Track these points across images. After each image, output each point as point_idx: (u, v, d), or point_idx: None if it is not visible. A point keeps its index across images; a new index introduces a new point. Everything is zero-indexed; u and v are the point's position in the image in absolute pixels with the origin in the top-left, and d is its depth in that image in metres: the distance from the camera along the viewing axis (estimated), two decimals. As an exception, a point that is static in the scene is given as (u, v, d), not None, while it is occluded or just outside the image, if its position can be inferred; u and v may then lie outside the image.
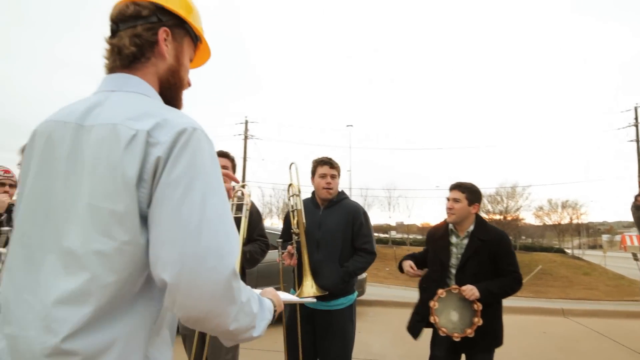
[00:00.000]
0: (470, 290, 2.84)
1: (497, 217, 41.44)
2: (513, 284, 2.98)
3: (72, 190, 0.97)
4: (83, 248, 0.93)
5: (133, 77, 1.11)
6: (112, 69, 1.13)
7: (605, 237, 79.51)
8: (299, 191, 3.26)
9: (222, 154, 3.19)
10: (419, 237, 49.69)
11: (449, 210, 3.10)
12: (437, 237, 3.22)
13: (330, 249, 3.17)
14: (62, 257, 0.95)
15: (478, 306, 2.82)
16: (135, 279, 0.95)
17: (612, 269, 34.40)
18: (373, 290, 14.78)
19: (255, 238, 3.19)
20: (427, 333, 3.20)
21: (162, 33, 1.14)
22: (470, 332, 2.80)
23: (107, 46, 1.15)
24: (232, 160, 3.25)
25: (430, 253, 3.26)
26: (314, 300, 2.04)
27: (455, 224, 3.11)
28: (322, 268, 3.12)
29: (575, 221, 51.76)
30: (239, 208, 3.05)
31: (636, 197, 2.43)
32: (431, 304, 2.89)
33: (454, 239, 3.13)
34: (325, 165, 3.31)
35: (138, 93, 1.08)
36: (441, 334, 2.85)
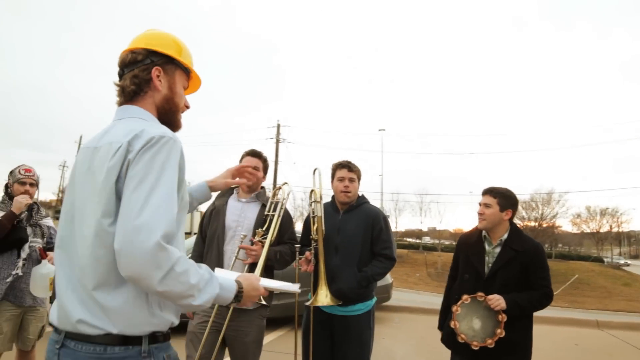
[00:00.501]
0: (497, 300, 2.73)
1: (532, 224, 40.37)
2: (543, 299, 2.84)
3: (87, 193, 1.33)
4: (89, 234, 1.29)
5: (133, 106, 1.47)
6: (120, 104, 1.50)
7: (647, 246, 76.55)
8: (321, 197, 3.23)
9: (254, 154, 3.18)
10: (452, 243, 48.97)
11: (480, 215, 2.98)
12: (471, 243, 3.10)
13: (349, 253, 3.14)
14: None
15: (503, 317, 2.71)
16: None
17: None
18: (401, 296, 14.64)
19: (286, 241, 3.17)
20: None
21: (155, 71, 1.49)
22: (490, 343, 2.70)
23: (116, 88, 1.51)
24: (264, 160, 3.23)
25: (462, 260, 3.13)
26: (298, 290, 1.93)
27: (488, 231, 3.00)
28: (340, 272, 3.09)
29: (615, 229, 49.99)
30: (275, 206, 3.03)
31: None
32: (454, 308, 2.82)
33: (486, 247, 3.01)
34: (343, 169, 3.28)
35: (136, 117, 1.44)
36: (460, 340, 2.75)
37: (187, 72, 1.59)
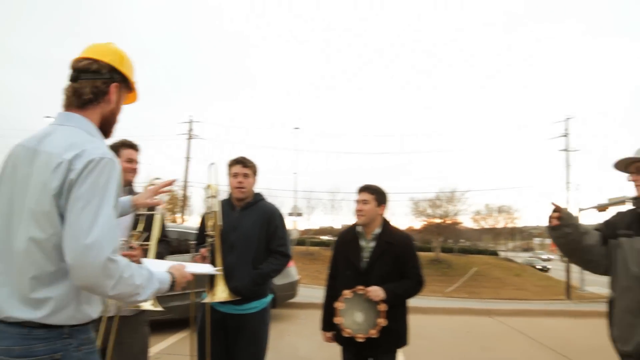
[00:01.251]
0: (376, 292, 2.83)
1: (437, 220, 42.59)
2: (417, 286, 3.03)
3: (24, 197, 1.45)
4: (25, 237, 1.42)
5: (77, 115, 1.57)
6: (68, 106, 1.60)
7: (536, 240, 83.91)
8: (217, 192, 3.16)
9: (128, 145, 3.06)
10: (362, 239, 50.33)
11: (359, 212, 3.06)
12: (347, 240, 3.18)
13: (245, 251, 3.09)
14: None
15: (382, 307, 2.82)
16: (63, 258, 1.39)
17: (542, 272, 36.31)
18: (313, 293, 14.80)
19: (161, 239, 3.08)
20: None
21: (114, 87, 1.65)
22: (374, 333, 2.79)
23: (67, 86, 1.61)
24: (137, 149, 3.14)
25: (341, 258, 3.20)
26: (217, 272, 2.10)
27: (364, 226, 3.09)
28: (235, 270, 3.04)
29: (509, 225, 54.17)
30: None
31: (550, 218, 2.40)
32: (336, 305, 2.87)
33: (362, 242, 3.10)
34: (237, 165, 3.23)
35: (77, 128, 1.54)
36: (345, 334, 2.82)
37: (129, 89, 1.77)
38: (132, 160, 3.02)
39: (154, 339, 3.85)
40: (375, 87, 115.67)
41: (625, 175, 2.43)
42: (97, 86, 1.60)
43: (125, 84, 1.73)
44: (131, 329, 2.82)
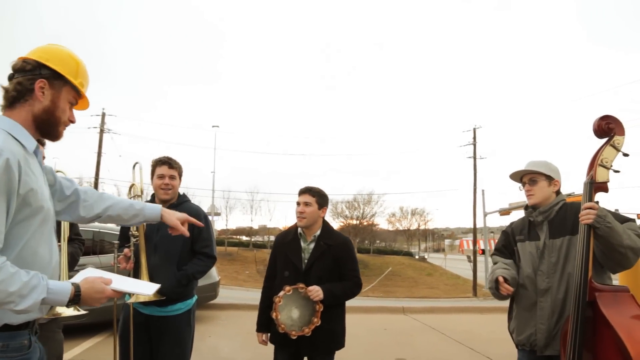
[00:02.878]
0: (316, 292, 2.89)
1: (354, 222, 43.67)
2: (354, 288, 3.12)
3: None
4: None
5: (3, 118, 1.53)
6: (2, 108, 1.57)
7: (447, 242, 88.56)
8: (142, 192, 3.12)
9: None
10: (282, 241, 50.33)
11: (300, 214, 3.09)
12: (288, 241, 3.21)
13: (168, 252, 3.07)
14: None
15: (319, 307, 2.88)
16: None
17: (451, 270, 38.37)
18: (230, 293, 14.67)
19: (72, 237, 3.02)
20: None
21: (39, 83, 1.55)
22: (307, 331, 2.85)
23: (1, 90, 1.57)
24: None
25: (281, 258, 3.22)
26: (154, 291, 1.91)
27: (304, 228, 3.14)
28: (159, 272, 3.00)
29: (422, 227, 56.70)
30: None
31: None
32: (276, 299, 2.89)
33: (302, 244, 3.15)
34: (163, 166, 3.18)
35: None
36: (280, 330, 2.84)
37: (76, 90, 1.65)
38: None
39: (66, 344, 3.70)
40: (296, 87, 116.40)
41: (519, 185, 2.79)
42: (20, 82, 1.54)
43: (63, 83, 1.62)
44: (43, 337, 2.72)
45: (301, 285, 2.93)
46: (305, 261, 3.10)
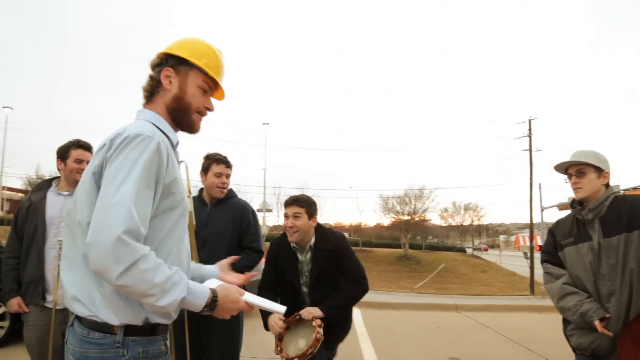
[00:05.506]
0: (308, 313, 2.72)
1: (406, 217, 43.12)
2: (358, 287, 2.88)
3: (81, 191, 1.40)
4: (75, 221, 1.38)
5: (144, 110, 1.54)
6: (143, 105, 1.58)
7: (502, 238, 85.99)
8: (189, 191, 3.19)
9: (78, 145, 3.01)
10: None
11: (291, 228, 2.86)
12: (284, 256, 3.00)
13: (217, 247, 3.11)
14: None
15: (317, 322, 2.65)
16: None
17: (507, 267, 37.22)
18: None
19: None
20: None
21: (165, 72, 1.54)
22: (309, 352, 2.56)
23: None
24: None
25: (280, 272, 3.03)
26: (282, 311, 1.72)
27: (298, 241, 2.91)
28: None
29: (476, 222, 55.22)
30: None
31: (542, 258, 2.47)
32: (276, 349, 2.70)
33: (300, 257, 2.97)
34: (221, 164, 3.23)
35: (143, 120, 1.49)
36: None
37: (204, 73, 1.58)
38: (81, 161, 2.95)
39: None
40: (346, 84, 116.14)
41: (564, 177, 2.59)
42: (152, 77, 1.56)
43: (189, 67, 1.56)
44: None
45: (295, 315, 2.75)
46: (307, 274, 2.93)
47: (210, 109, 1.62)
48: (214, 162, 3.25)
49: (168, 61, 1.55)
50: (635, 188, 8.54)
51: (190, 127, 1.59)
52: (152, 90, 1.55)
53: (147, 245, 1.29)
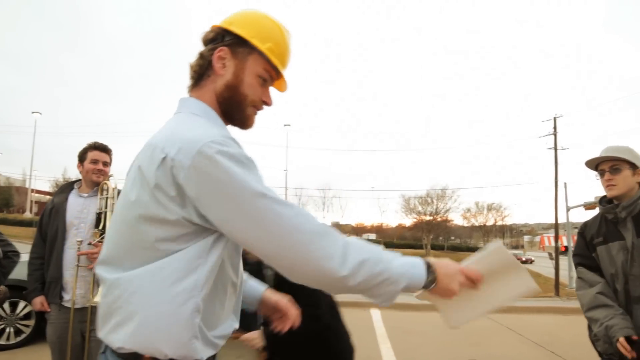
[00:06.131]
0: (251, 338, 2.21)
1: (428, 218, 42.83)
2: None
3: (129, 193, 1.13)
4: None
5: (190, 99, 1.25)
6: (189, 88, 1.29)
7: (526, 238, 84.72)
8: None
9: (103, 148, 3.02)
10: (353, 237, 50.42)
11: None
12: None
13: None
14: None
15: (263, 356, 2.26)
16: None
17: (531, 268, 36.66)
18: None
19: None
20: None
21: (218, 52, 1.23)
22: None
23: None
24: (110, 153, 3.06)
25: None
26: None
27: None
28: None
29: (499, 223, 54.56)
30: (106, 202, 2.85)
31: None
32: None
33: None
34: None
35: (189, 113, 1.21)
36: None
37: (267, 59, 1.27)
38: (96, 162, 2.95)
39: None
40: (367, 84, 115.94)
41: (595, 174, 2.46)
42: (202, 55, 1.26)
43: (249, 50, 1.25)
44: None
45: (235, 335, 2.07)
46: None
47: (268, 103, 1.32)
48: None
49: (224, 38, 1.24)
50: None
51: (244, 123, 1.30)
52: (202, 73, 1.26)
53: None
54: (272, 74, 1.30)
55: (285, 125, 38.44)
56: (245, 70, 1.25)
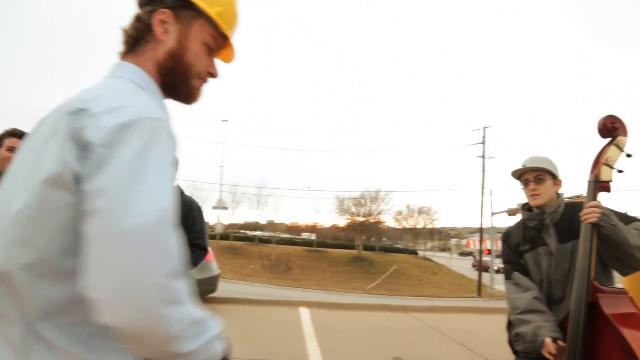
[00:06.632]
0: None
1: (361, 219, 43.59)
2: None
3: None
4: None
5: (129, 65, 1.07)
6: (121, 55, 1.11)
7: (453, 241, 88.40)
8: None
9: (20, 134, 2.80)
10: (287, 235, 50.54)
11: None
12: None
13: None
14: None
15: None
16: None
17: (457, 269, 38.27)
18: (232, 288, 14.66)
19: None
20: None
21: (159, 14, 1.06)
22: None
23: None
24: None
25: None
26: None
27: None
28: None
29: (429, 225, 56.43)
30: None
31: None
32: None
33: None
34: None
35: (125, 79, 1.03)
36: None
37: (214, 25, 1.13)
38: (13, 149, 2.73)
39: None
40: (304, 83, 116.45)
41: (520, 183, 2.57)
42: (139, 17, 1.09)
43: (195, 14, 1.10)
44: None
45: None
46: None
47: (214, 75, 1.19)
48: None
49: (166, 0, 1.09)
50: (577, 196, 8.91)
51: (189, 96, 1.16)
52: (138, 37, 1.09)
53: None
54: (219, 42, 1.17)
55: (223, 120, 37.75)
56: (190, 37, 1.11)
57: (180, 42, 1.09)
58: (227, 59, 1.26)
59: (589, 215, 2.09)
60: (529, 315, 2.31)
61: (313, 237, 49.13)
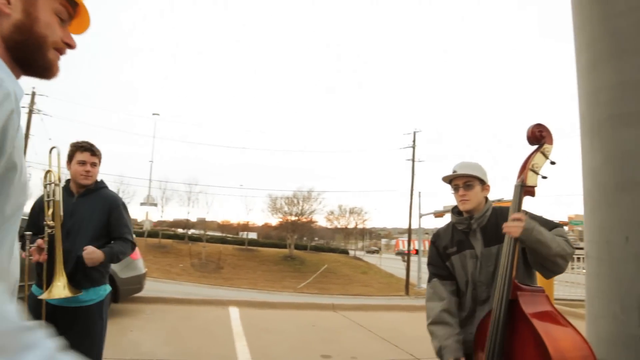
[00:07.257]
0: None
1: (293, 218, 43.69)
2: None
3: None
4: None
5: None
6: None
7: (383, 241, 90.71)
8: (59, 180, 2.99)
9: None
10: (218, 234, 49.71)
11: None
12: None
13: (81, 237, 2.95)
14: None
15: None
16: None
17: (386, 269, 39.26)
18: (160, 287, 14.21)
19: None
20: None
21: None
22: None
23: None
24: None
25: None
26: None
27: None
28: (70, 257, 2.86)
29: (360, 226, 57.57)
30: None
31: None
32: None
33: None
34: (86, 152, 3.09)
35: None
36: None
37: None
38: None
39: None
40: (240, 79, 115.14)
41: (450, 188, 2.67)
42: None
43: None
44: None
45: None
46: None
47: (72, 45, 1.11)
48: (78, 150, 3.11)
49: None
50: (499, 200, 9.42)
51: (48, 70, 1.08)
52: None
53: None
54: (70, 11, 1.10)
55: (154, 114, 36.42)
56: (38, 7, 1.03)
57: (28, 13, 1.01)
58: (80, 30, 1.19)
59: (511, 229, 2.18)
60: (435, 327, 2.46)
61: (252, 235, 48.65)
